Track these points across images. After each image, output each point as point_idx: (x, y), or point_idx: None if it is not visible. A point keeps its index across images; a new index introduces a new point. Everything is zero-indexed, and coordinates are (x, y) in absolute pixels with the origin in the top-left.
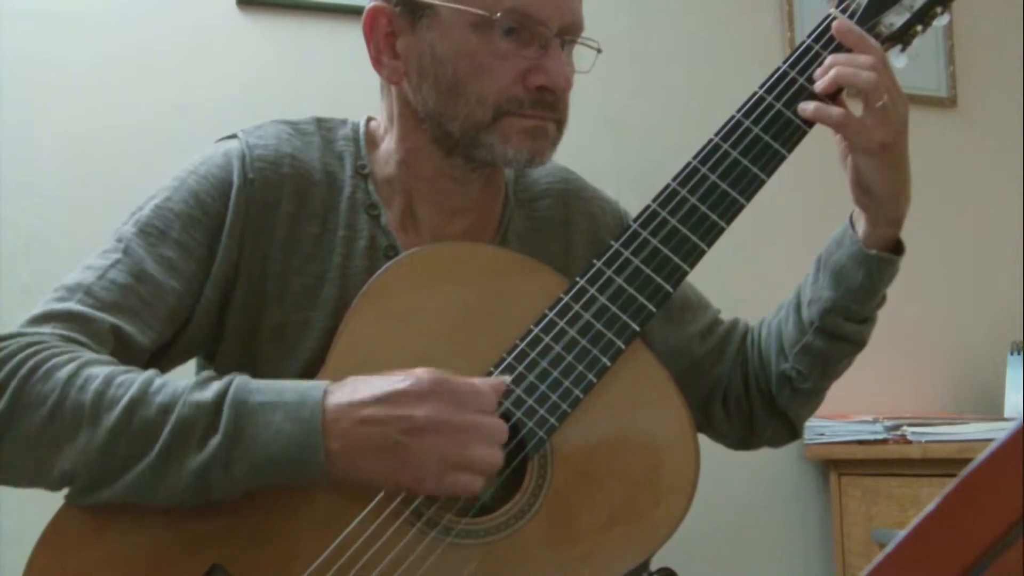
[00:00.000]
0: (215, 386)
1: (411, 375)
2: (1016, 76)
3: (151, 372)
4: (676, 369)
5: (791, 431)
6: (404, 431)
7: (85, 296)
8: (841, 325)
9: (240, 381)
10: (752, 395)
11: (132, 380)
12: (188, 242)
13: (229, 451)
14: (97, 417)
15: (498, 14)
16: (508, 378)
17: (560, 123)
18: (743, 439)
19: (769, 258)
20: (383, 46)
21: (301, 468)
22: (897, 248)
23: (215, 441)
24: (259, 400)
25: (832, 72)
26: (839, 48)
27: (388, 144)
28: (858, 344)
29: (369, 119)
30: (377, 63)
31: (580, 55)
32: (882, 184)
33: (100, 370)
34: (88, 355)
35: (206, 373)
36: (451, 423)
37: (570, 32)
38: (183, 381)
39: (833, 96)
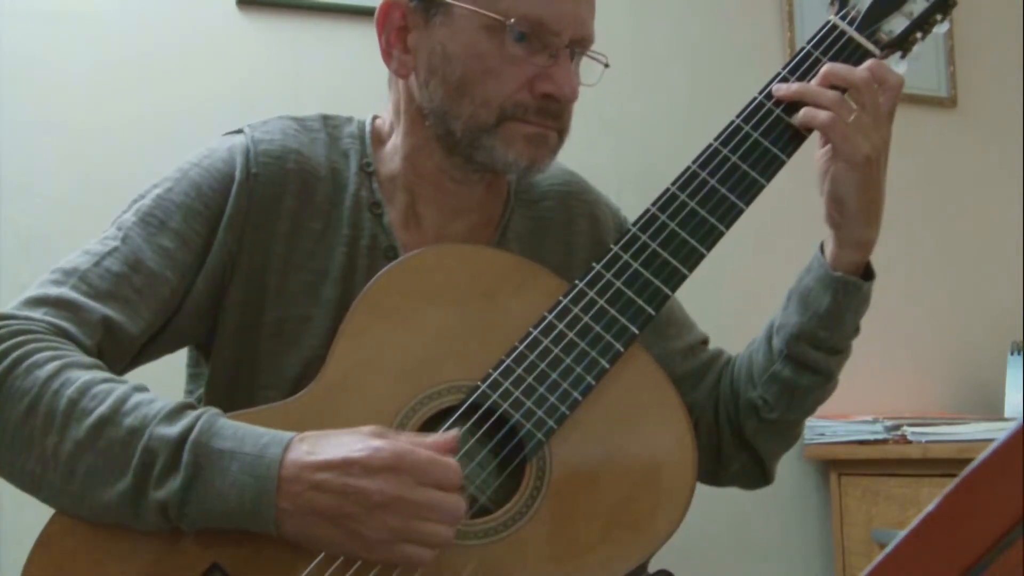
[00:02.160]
0: (182, 422)
1: (371, 445)
2: (1016, 76)
3: (127, 387)
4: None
5: (760, 469)
6: (356, 502)
7: (79, 282)
8: (807, 353)
9: (206, 421)
10: (722, 425)
11: (107, 393)
12: (187, 233)
13: (184, 494)
14: (66, 426)
15: (512, 20)
16: (457, 432)
17: (562, 132)
18: (711, 472)
19: (768, 263)
20: (394, 39)
21: (253, 522)
22: (867, 275)
23: (174, 483)
24: (220, 446)
25: (797, 88)
26: (838, 54)
27: (394, 140)
28: (826, 376)
29: (375, 117)
30: (387, 55)
31: (587, 68)
32: (856, 200)
33: (79, 375)
34: (72, 355)
35: (183, 400)
36: (405, 500)
37: (580, 44)
38: (158, 403)
39: None
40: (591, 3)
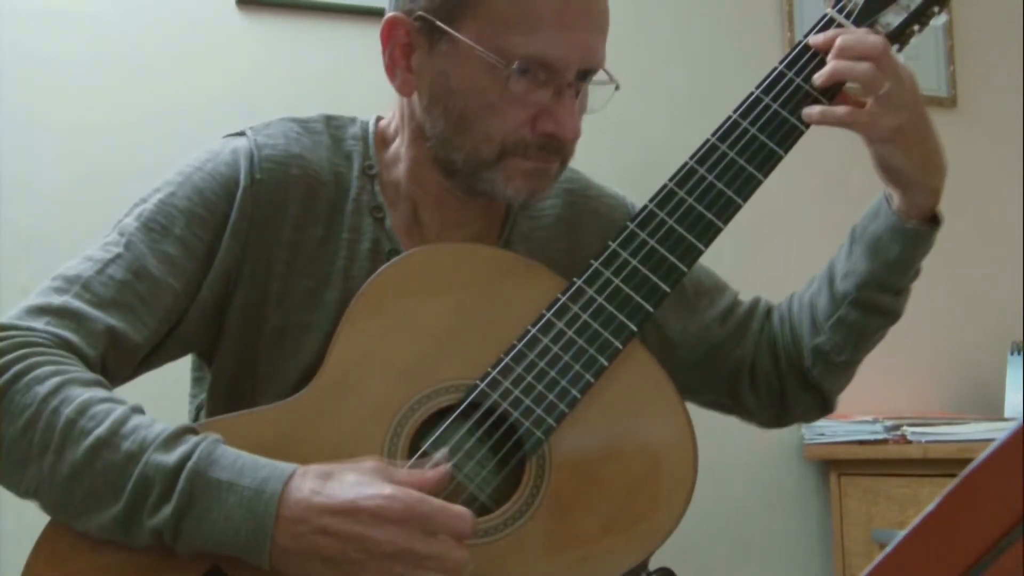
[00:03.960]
0: (181, 449)
1: (383, 493)
2: (1016, 76)
3: (125, 408)
4: (698, 354)
5: (823, 405)
6: (363, 550)
7: (83, 290)
8: (877, 297)
9: (205, 449)
10: (783, 371)
11: (106, 414)
12: (190, 240)
13: (177, 523)
14: (63, 446)
15: (515, 63)
16: (447, 467)
17: (564, 162)
18: (775, 416)
19: (767, 258)
20: (398, 56)
21: (247, 555)
22: (933, 220)
23: (166, 511)
24: (217, 476)
25: (829, 67)
26: None
27: (398, 146)
28: (893, 316)
29: (379, 118)
30: (390, 72)
31: (593, 87)
32: (908, 165)
33: (79, 392)
34: (73, 371)
35: (182, 424)
36: (412, 552)
37: (588, 73)
38: (156, 426)
39: (834, 94)
40: (603, 26)
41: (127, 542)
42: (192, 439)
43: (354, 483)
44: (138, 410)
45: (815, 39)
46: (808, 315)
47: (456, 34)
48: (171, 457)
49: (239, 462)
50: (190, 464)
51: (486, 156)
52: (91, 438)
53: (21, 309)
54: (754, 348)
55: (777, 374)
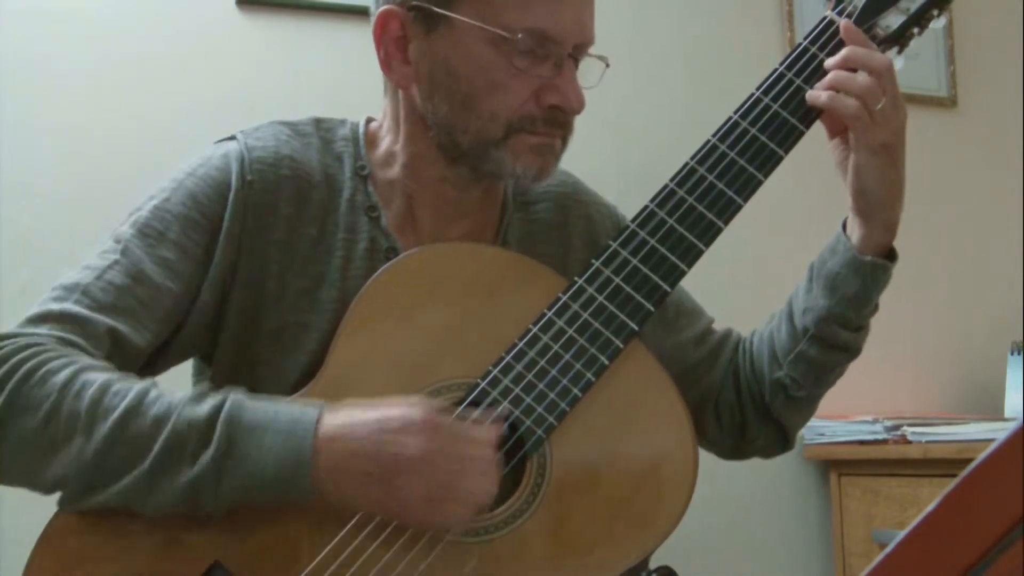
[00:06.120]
0: (210, 402)
1: (405, 410)
2: (1016, 76)
3: (147, 382)
4: (670, 374)
5: (783, 440)
6: (396, 456)
7: (82, 296)
8: (837, 333)
9: (235, 398)
10: (745, 403)
11: (128, 389)
12: (186, 244)
13: (220, 467)
14: (92, 425)
15: (519, 35)
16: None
17: (566, 138)
18: (735, 447)
19: (767, 259)
20: (393, 50)
21: (289, 488)
22: (890, 255)
23: (207, 456)
24: (252, 419)
25: (830, 76)
26: (837, 50)
27: (390, 145)
28: (853, 352)
29: (368, 119)
30: (386, 67)
31: (587, 66)
32: (880, 185)
33: (96, 376)
34: (84, 360)
35: (201, 387)
36: (443, 454)
37: (582, 49)
38: (179, 394)
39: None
40: (592, 5)
41: (148, 503)
42: (218, 394)
43: (380, 406)
44: (156, 386)
45: (842, 23)
46: (768, 350)
47: (456, 16)
48: (202, 409)
49: (272, 406)
50: (224, 413)
51: (493, 134)
52: (118, 411)
53: (22, 321)
54: (722, 378)
55: (739, 406)
